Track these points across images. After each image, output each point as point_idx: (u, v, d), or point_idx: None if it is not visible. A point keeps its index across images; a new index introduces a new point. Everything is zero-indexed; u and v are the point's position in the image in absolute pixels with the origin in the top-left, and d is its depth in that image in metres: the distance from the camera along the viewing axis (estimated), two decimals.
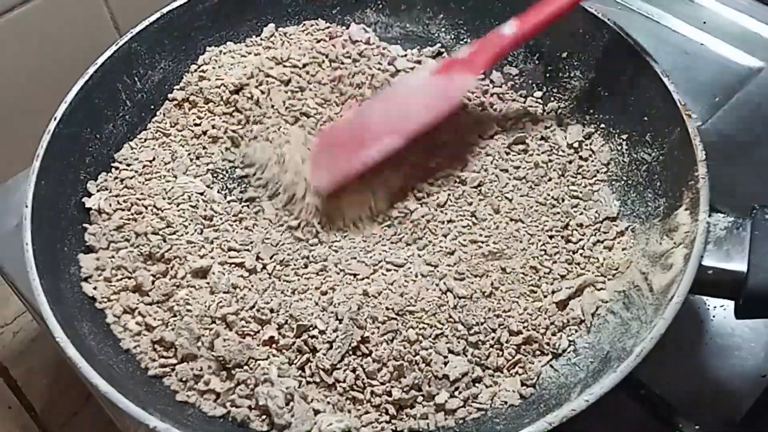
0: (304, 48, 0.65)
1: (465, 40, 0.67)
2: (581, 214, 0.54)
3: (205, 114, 0.62)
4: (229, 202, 0.57)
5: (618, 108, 0.58)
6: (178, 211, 0.55)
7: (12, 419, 0.87)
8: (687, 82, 0.65)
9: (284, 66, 0.63)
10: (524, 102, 0.63)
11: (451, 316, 0.49)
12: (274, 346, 0.48)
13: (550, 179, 0.56)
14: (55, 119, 0.55)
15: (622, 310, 0.49)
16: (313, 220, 0.55)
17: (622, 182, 0.56)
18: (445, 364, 0.47)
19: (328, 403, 0.47)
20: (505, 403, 0.47)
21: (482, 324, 0.49)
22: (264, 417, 0.46)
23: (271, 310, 0.49)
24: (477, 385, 0.47)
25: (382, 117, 0.57)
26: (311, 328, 0.48)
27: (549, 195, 0.55)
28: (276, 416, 0.45)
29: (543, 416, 0.40)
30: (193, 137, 0.61)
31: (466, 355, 0.48)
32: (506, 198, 0.55)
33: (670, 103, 0.52)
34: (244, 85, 0.62)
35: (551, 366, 0.49)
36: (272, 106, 0.61)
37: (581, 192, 0.56)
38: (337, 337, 0.47)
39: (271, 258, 0.53)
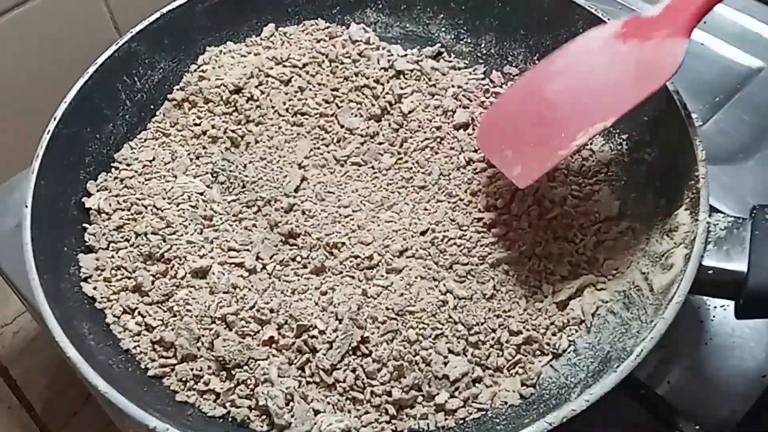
0: (304, 48, 0.65)
1: (465, 40, 0.67)
2: (582, 214, 0.55)
3: (205, 114, 0.62)
4: (229, 202, 0.57)
5: None
6: (178, 211, 0.55)
7: (12, 419, 0.87)
8: (687, 82, 0.65)
9: (284, 66, 0.63)
10: None
11: (451, 316, 0.49)
12: (274, 346, 0.48)
13: (555, 178, 0.56)
14: (55, 119, 0.55)
15: (622, 310, 0.49)
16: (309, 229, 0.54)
17: (622, 182, 0.56)
18: (445, 364, 0.47)
19: (328, 403, 0.47)
20: (505, 403, 0.47)
21: (482, 324, 0.49)
22: (264, 417, 0.46)
23: (271, 310, 0.49)
24: (477, 385, 0.47)
25: (571, 93, 0.48)
26: (311, 328, 0.48)
27: (554, 194, 0.55)
28: (276, 416, 0.45)
29: (543, 416, 0.40)
30: (192, 137, 0.61)
31: (466, 355, 0.48)
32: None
33: (670, 103, 0.52)
34: (244, 85, 0.62)
35: (551, 366, 0.49)
36: (272, 107, 0.61)
37: (581, 192, 0.56)
38: (337, 337, 0.47)
39: (271, 258, 0.53)
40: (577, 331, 0.50)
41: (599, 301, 0.50)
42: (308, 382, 0.47)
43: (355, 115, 0.61)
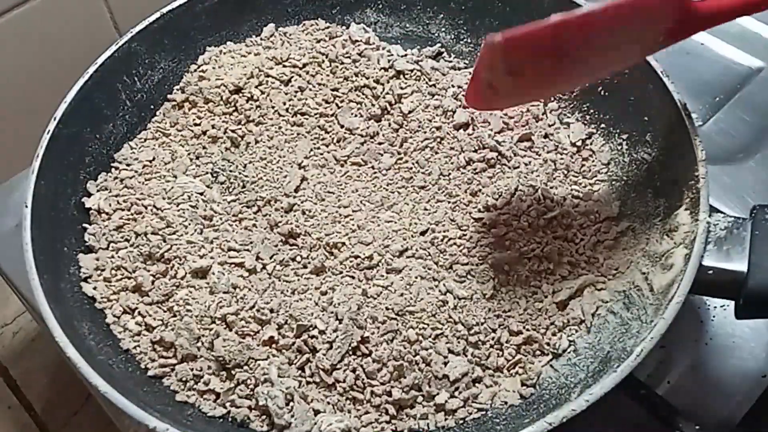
0: (304, 48, 0.65)
1: (465, 40, 0.67)
2: (582, 213, 0.55)
3: (205, 114, 0.62)
4: (229, 202, 0.57)
5: (618, 108, 0.58)
6: (178, 211, 0.55)
7: (12, 419, 0.87)
8: (687, 82, 0.65)
9: (284, 66, 0.63)
10: None
11: (451, 316, 0.49)
12: (274, 346, 0.48)
13: (555, 178, 0.57)
14: (54, 119, 0.55)
15: (622, 310, 0.49)
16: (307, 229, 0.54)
17: (622, 182, 0.56)
18: (445, 364, 0.47)
19: (328, 403, 0.47)
20: (505, 403, 0.47)
21: (482, 324, 0.49)
22: (264, 417, 0.46)
23: (271, 310, 0.49)
24: (477, 385, 0.47)
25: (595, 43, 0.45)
26: (311, 328, 0.48)
27: (555, 194, 0.55)
28: (276, 416, 0.45)
29: (543, 416, 0.40)
30: (192, 137, 0.61)
31: (466, 355, 0.48)
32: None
33: (670, 103, 0.52)
34: (244, 85, 0.62)
35: (551, 366, 0.49)
36: (272, 107, 0.61)
37: (581, 192, 0.56)
38: (337, 337, 0.47)
39: (271, 258, 0.53)
40: (577, 331, 0.50)
41: (599, 301, 0.50)
42: (308, 382, 0.47)
43: (355, 115, 0.61)
